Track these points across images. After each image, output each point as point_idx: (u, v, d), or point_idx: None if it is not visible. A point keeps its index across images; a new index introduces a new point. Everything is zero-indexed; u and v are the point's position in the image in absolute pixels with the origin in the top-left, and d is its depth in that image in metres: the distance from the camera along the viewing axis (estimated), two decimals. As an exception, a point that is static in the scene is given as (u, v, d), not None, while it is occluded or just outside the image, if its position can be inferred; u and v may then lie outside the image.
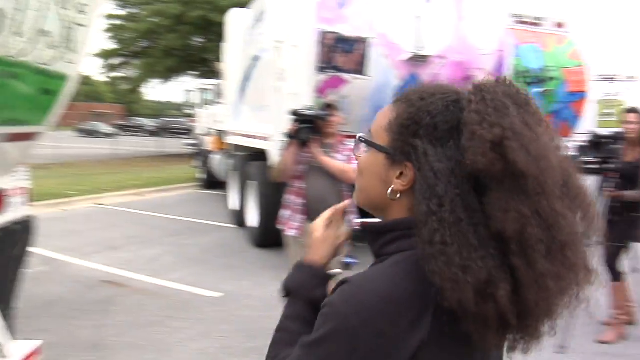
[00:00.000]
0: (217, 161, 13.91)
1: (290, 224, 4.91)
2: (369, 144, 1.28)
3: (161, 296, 6.65)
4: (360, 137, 1.31)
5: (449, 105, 1.18)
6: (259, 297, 6.47)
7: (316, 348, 1.12)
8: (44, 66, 3.29)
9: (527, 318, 1.07)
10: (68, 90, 3.79)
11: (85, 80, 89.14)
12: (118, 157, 26.33)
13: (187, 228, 10.68)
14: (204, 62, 27.68)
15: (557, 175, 1.08)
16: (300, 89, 7.12)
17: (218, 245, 9.22)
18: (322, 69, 7.04)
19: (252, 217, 9.24)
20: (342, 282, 1.16)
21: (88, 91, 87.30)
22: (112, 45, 30.99)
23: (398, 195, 1.20)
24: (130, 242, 9.37)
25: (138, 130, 54.24)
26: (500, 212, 1.05)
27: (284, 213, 5.00)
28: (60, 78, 3.59)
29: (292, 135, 4.81)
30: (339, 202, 4.25)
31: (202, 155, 16.18)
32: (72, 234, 10.01)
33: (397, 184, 1.20)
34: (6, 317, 3.83)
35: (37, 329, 5.21)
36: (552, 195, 1.06)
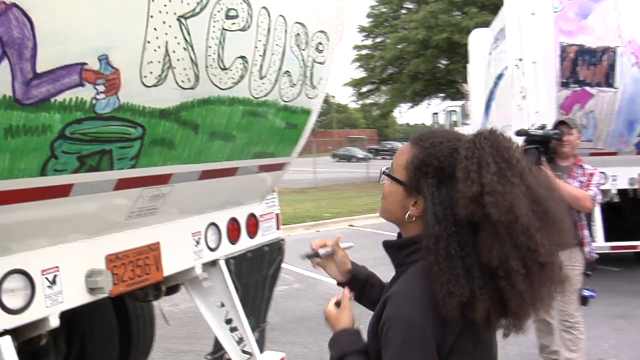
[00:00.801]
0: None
1: None
2: (391, 177, 1.64)
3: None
4: (384, 170, 1.68)
5: (453, 152, 1.49)
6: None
7: (397, 356, 1.42)
8: (287, 103, 3.61)
9: (510, 318, 1.46)
10: (311, 123, 4.09)
11: (341, 108, 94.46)
12: (371, 180, 27.29)
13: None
14: (451, 84, 27.79)
15: (525, 217, 1.38)
16: (542, 107, 6.84)
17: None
18: (565, 84, 6.70)
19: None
20: (386, 300, 1.50)
21: (343, 118, 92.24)
22: (361, 74, 32.58)
23: (414, 219, 1.57)
24: (378, 263, 9.51)
25: (390, 153, 55.80)
26: (486, 249, 1.38)
27: None
28: (303, 112, 3.88)
29: None
30: (574, 233, 4.04)
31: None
32: (326, 254, 10.59)
33: (413, 211, 1.57)
34: (259, 331, 4.24)
35: (289, 341, 5.64)
36: (528, 231, 1.38)
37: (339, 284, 2.06)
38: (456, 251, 1.42)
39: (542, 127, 4.64)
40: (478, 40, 11.93)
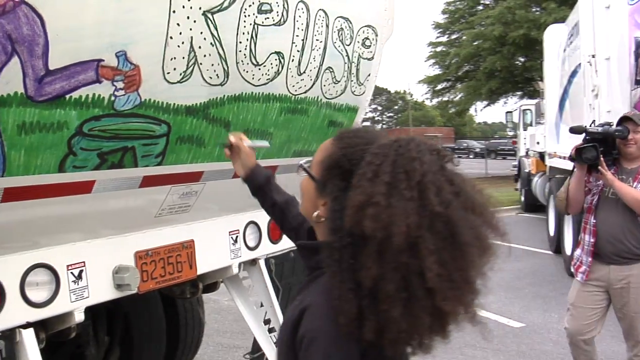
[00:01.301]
0: (537, 184, 13.39)
1: (578, 266, 4.05)
2: (307, 172, 1.57)
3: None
4: (301, 164, 1.61)
5: (364, 156, 1.37)
6: (565, 332, 6.00)
7: None
8: (329, 100, 3.52)
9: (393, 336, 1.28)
10: (358, 120, 3.99)
11: (418, 106, 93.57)
12: (444, 179, 26.85)
13: (501, 252, 10.40)
14: (528, 82, 27.00)
15: (403, 235, 1.23)
16: (615, 106, 6.47)
17: (530, 272, 8.80)
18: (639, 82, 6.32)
19: (569, 244, 8.64)
20: (304, 310, 1.39)
21: (420, 116, 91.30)
22: (436, 71, 32.15)
23: (322, 219, 1.47)
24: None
25: (466, 152, 54.89)
26: (363, 267, 1.27)
27: (576, 252, 4.15)
28: (349, 110, 3.79)
29: (574, 157, 3.90)
30: (636, 241, 3.71)
31: (523, 177, 15.73)
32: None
33: (322, 211, 1.48)
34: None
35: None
36: (412, 252, 1.24)
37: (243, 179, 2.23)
38: (348, 264, 1.30)
39: (608, 124, 4.11)
40: (553, 37, 11.52)
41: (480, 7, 30.68)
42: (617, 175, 3.90)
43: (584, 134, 4.01)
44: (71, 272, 2.54)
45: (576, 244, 4.18)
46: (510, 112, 18.96)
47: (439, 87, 33.04)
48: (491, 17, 26.52)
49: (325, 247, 1.38)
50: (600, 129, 3.98)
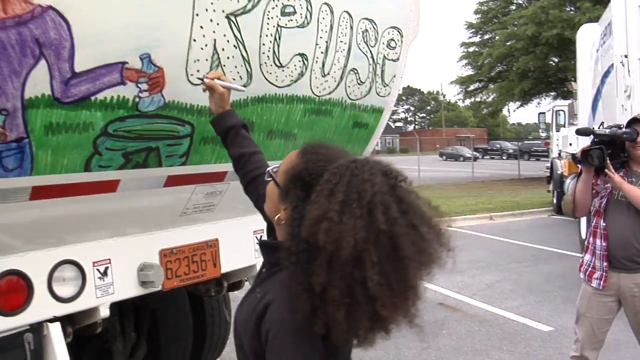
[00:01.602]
0: (569, 186, 13.21)
1: (590, 272, 3.92)
2: (273, 178, 1.75)
3: (491, 324, 6.55)
4: (269, 170, 1.78)
5: (323, 172, 1.55)
6: (615, 339, 5.93)
7: (292, 357, 1.52)
8: (354, 101, 3.54)
9: (339, 335, 1.47)
10: (383, 121, 4.00)
11: (450, 107, 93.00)
12: (476, 180, 26.71)
13: (531, 255, 10.32)
14: (562, 83, 26.64)
15: (350, 249, 1.39)
16: (648, 107, 6.37)
17: (560, 275, 8.69)
18: (672, 83, 6.20)
19: (600, 247, 8.51)
20: (267, 305, 1.57)
21: (452, 116, 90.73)
22: (468, 72, 31.93)
23: (283, 222, 1.64)
24: (473, 267, 9.42)
25: (499, 153, 54.40)
26: (314, 274, 1.43)
27: (585, 258, 4.00)
28: (374, 111, 3.80)
29: (580, 159, 3.81)
30: None
31: (555, 179, 15.54)
32: (419, 255, 10.46)
33: (282, 215, 1.66)
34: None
35: (366, 343, 5.57)
36: (358, 263, 1.41)
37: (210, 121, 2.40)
38: (303, 268, 1.47)
39: (617, 127, 4.00)
40: (586, 36, 11.37)
41: (513, 7, 30.41)
42: (626, 178, 3.81)
43: (589, 136, 3.96)
44: (97, 269, 2.61)
45: (584, 248, 4.05)
46: (543, 113, 18.76)
47: (472, 87, 32.81)
48: (524, 17, 26.24)
49: (284, 249, 1.55)
50: (607, 131, 3.89)
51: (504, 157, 52.05)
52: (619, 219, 3.80)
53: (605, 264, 3.82)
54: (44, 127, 2.07)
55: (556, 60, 27.53)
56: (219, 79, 2.33)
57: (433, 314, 6.90)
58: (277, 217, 1.69)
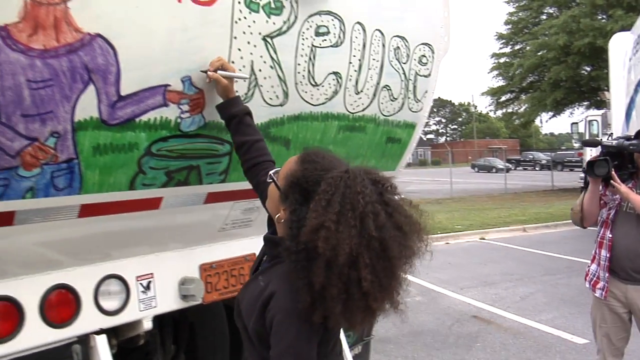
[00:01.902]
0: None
1: (595, 281, 3.99)
2: (274, 181, 1.98)
3: (525, 336, 6.52)
4: (271, 173, 2.01)
5: (319, 181, 1.75)
6: (629, 350, 5.86)
7: (295, 344, 1.74)
8: (387, 117, 3.60)
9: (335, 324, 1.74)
10: (416, 136, 4.05)
11: (482, 118, 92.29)
12: (508, 192, 26.48)
13: (565, 267, 10.23)
14: (594, 92, 26.32)
15: (346, 255, 1.61)
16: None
17: (596, 287, 8.61)
18: None
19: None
20: (272, 294, 1.80)
21: (484, 128, 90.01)
22: (499, 83, 31.73)
23: (282, 221, 1.87)
24: (506, 279, 9.38)
25: (532, 164, 53.84)
26: (314, 273, 1.64)
27: (592, 267, 4.06)
28: (407, 126, 3.85)
29: (587, 170, 3.85)
30: None
31: (589, 189, 15.32)
32: (452, 267, 10.47)
33: (282, 214, 1.88)
34: (362, 344, 4.25)
35: (402, 355, 5.63)
36: (353, 265, 1.62)
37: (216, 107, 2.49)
38: (302, 266, 1.68)
39: (625, 138, 3.99)
40: (618, 45, 11.23)
41: (544, 17, 30.18)
42: (635, 190, 3.80)
43: (596, 147, 3.95)
44: (140, 283, 2.71)
45: (592, 258, 4.07)
46: (576, 123, 18.55)
47: (503, 98, 32.60)
48: (555, 27, 26.00)
49: (285, 248, 1.76)
50: (615, 142, 3.91)
51: (536, 168, 51.52)
52: (627, 231, 3.82)
53: (607, 274, 3.85)
54: (92, 148, 2.17)
55: (588, 69, 27.22)
56: (222, 68, 2.41)
57: (467, 327, 6.90)
58: (277, 216, 1.92)
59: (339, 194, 1.69)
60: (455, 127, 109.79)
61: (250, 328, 1.89)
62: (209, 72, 2.41)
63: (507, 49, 31.77)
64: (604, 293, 3.88)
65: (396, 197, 1.78)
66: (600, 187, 3.91)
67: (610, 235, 3.85)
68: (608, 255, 3.84)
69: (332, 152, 2.10)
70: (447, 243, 13.30)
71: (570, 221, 4.24)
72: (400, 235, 1.71)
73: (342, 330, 3.35)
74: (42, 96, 1.97)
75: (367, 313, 1.72)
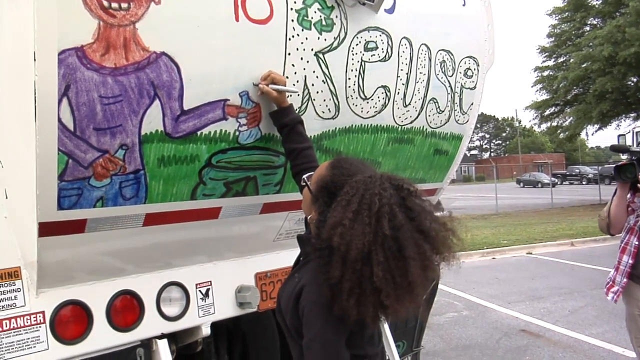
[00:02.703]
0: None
1: (610, 285, 3.96)
2: (307, 185, 2.14)
3: (575, 350, 6.44)
4: (304, 177, 2.20)
5: (344, 185, 1.90)
6: None
7: (322, 332, 1.86)
8: (434, 129, 3.67)
9: (351, 317, 1.82)
10: (463, 148, 4.10)
11: (526, 132, 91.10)
12: (555, 206, 26.07)
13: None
14: (643, 103, 25.79)
15: (357, 251, 1.73)
16: None
17: (648, 301, 8.43)
18: None
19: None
20: (302, 287, 1.95)
21: (528, 142, 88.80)
22: (543, 96, 31.31)
23: (313, 222, 2.02)
24: (554, 293, 9.26)
25: (579, 178, 52.86)
26: (332, 268, 1.78)
27: (611, 272, 4.02)
28: (453, 138, 3.90)
29: (614, 174, 3.84)
30: None
31: (638, 202, 15.01)
32: (499, 281, 10.37)
33: (313, 215, 2.04)
34: (412, 355, 4.28)
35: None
36: (366, 261, 1.74)
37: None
38: (325, 262, 1.82)
39: None
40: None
41: (588, 28, 29.71)
42: None
43: (620, 152, 3.95)
44: (199, 290, 2.82)
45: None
46: (623, 135, 18.24)
47: (547, 112, 32.10)
48: (599, 37, 25.54)
49: (311, 246, 1.95)
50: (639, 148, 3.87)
51: (583, 182, 50.58)
52: None
53: (624, 280, 3.81)
54: (157, 159, 2.30)
55: (635, 79, 26.67)
56: (272, 81, 2.52)
57: (515, 341, 6.85)
58: (310, 217, 2.10)
59: (358, 195, 1.82)
60: (499, 142, 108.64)
61: (289, 322, 2.04)
62: (260, 85, 2.51)
63: (551, 62, 31.36)
64: (615, 297, 3.86)
65: (423, 203, 1.88)
66: (629, 194, 3.89)
67: (637, 243, 3.81)
68: (631, 262, 3.80)
69: (362, 159, 2.31)
70: (494, 258, 13.19)
71: (619, 235, 4.21)
72: (420, 238, 1.79)
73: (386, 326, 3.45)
74: (113, 111, 2.11)
75: (378, 309, 1.81)
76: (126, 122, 2.15)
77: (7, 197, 2.27)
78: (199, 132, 2.38)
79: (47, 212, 2.13)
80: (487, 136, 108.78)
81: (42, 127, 1.97)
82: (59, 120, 1.99)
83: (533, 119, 33.39)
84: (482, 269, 11.67)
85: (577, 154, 79.33)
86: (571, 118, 30.67)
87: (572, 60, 28.33)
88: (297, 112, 2.70)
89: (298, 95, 2.72)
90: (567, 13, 30.24)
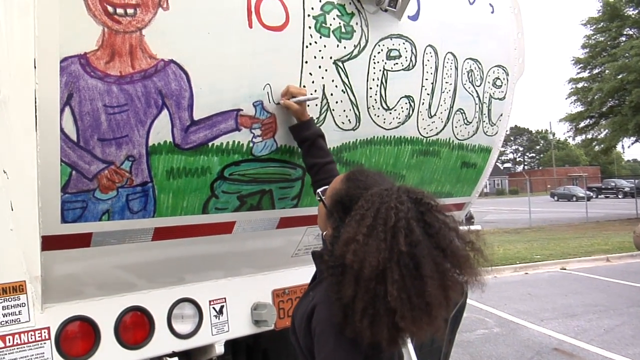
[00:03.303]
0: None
1: None
2: (321, 200, 2.03)
3: (612, 371, 6.20)
4: (318, 192, 2.07)
5: (360, 199, 1.77)
6: None
7: (333, 355, 1.73)
8: (461, 141, 3.53)
9: (364, 340, 1.67)
10: (492, 161, 3.95)
11: (561, 145, 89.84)
12: (590, 220, 25.55)
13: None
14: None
15: (371, 269, 1.59)
16: None
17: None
18: None
19: None
20: (314, 306, 1.83)
21: (563, 155, 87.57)
22: (578, 108, 30.84)
23: (329, 237, 1.89)
24: (589, 310, 8.98)
25: (614, 191, 51.84)
26: (343, 286, 1.65)
27: None
28: (482, 150, 3.76)
29: None
30: None
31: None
32: (532, 297, 10.11)
33: (328, 231, 1.96)
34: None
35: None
36: (380, 280, 1.59)
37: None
38: (337, 280, 1.68)
39: None
40: None
41: (623, 38, 29.22)
42: None
43: None
44: (213, 307, 2.72)
45: None
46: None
47: (582, 124, 31.63)
48: (635, 48, 25.10)
49: (324, 263, 1.80)
50: None
51: (619, 196, 49.53)
52: None
53: None
54: (166, 172, 2.21)
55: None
56: (293, 95, 2.44)
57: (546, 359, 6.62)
58: (325, 233, 2.02)
59: (373, 209, 1.70)
60: (533, 155, 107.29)
61: (302, 342, 1.92)
62: (281, 102, 2.44)
63: (585, 74, 30.91)
64: None
65: (444, 218, 1.72)
66: None
67: None
68: None
69: (381, 171, 2.14)
70: (526, 273, 12.90)
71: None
72: (440, 255, 1.65)
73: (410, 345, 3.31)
74: (118, 121, 2.02)
75: (393, 331, 1.64)
76: (132, 133, 2.07)
77: (12, 209, 2.20)
78: (210, 144, 2.28)
79: (50, 225, 2.06)
80: (521, 149, 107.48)
81: (43, 137, 1.90)
82: (62, 130, 1.92)
83: (567, 131, 32.84)
84: (514, 284, 11.40)
85: (612, 167, 77.86)
86: (607, 130, 30.16)
87: (607, 71, 27.92)
88: (315, 122, 2.60)
89: (317, 105, 2.61)
90: (602, 23, 29.82)
